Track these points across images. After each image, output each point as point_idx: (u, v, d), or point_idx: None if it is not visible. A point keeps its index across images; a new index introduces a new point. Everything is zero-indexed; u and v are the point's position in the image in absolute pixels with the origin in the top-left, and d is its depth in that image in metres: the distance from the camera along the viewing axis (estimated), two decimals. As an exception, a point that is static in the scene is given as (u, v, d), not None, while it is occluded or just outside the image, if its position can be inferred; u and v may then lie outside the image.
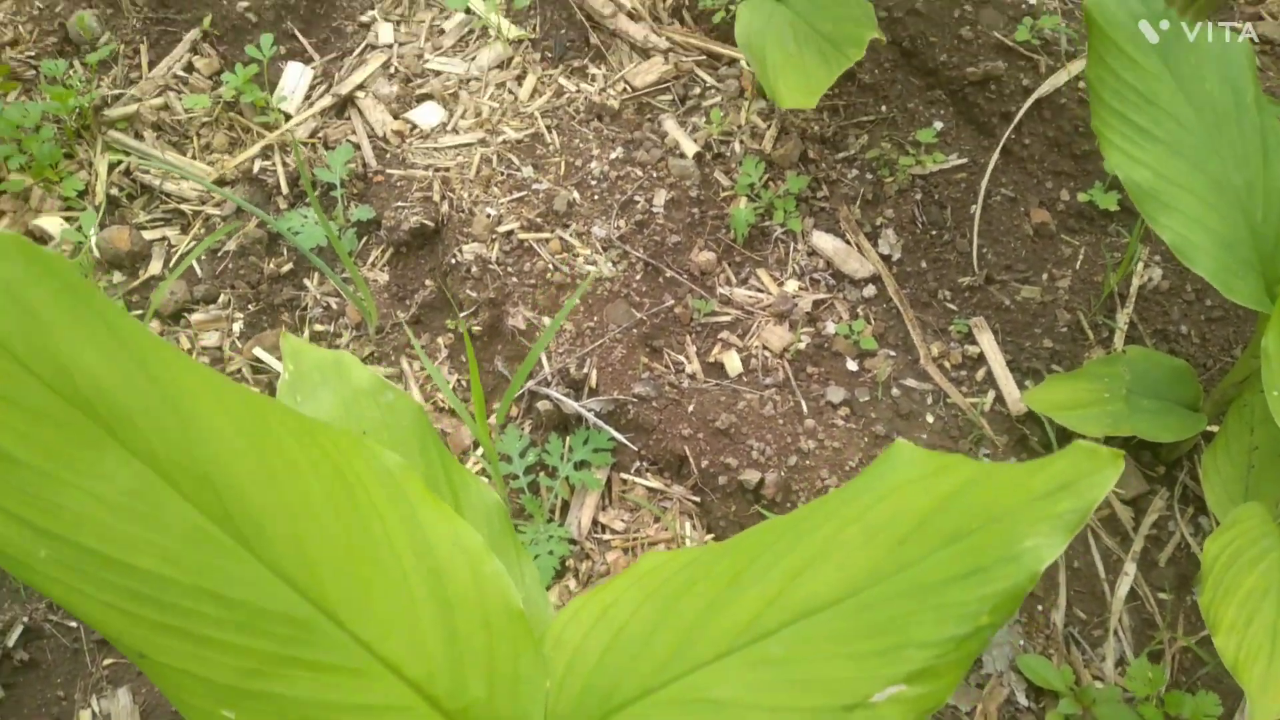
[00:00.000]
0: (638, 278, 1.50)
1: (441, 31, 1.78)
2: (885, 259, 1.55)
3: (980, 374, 1.45)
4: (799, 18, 1.42)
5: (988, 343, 1.46)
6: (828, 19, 1.39)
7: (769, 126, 1.63)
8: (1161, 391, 1.24)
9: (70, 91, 1.63)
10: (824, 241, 1.55)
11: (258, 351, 1.51)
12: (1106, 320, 1.47)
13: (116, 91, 1.73)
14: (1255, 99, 1.05)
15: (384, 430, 0.85)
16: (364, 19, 1.80)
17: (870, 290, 1.52)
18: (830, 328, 1.48)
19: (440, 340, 1.54)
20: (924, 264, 1.54)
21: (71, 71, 1.73)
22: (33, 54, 1.78)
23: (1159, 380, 1.25)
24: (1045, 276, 1.51)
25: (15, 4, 1.83)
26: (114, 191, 1.64)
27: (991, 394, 1.43)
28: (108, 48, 1.75)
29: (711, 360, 1.46)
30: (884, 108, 1.65)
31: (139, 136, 1.69)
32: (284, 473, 0.64)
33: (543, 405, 1.41)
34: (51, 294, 0.58)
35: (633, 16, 1.76)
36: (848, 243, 1.55)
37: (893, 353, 1.47)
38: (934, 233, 1.56)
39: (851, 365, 1.45)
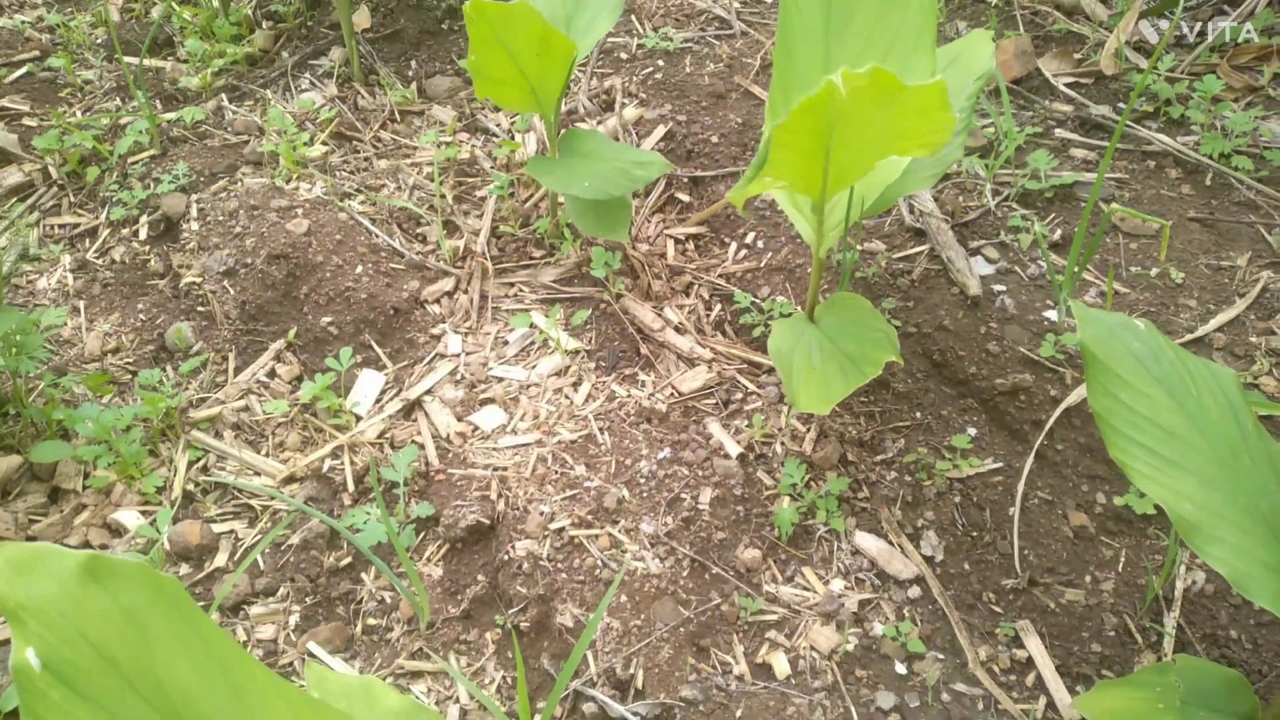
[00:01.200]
0: (684, 574, 1.54)
1: (505, 343, 1.94)
2: (928, 560, 1.58)
3: (1030, 679, 1.43)
4: (826, 337, 1.54)
5: (1035, 647, 1.46)
6: (852, 340, 1.51)
7: (808, 430, 1.72)
8: (1216, 703, 1.22)
9: (161, 396, 1.77)
10: (867, 542, 1.59)
11: (311, 645, 1.53)
12: (1154, 624, 1.46)
13: (202, 395, 1.88)
14: (1255, 426, 1.12)
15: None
16: (435, 331, 1.97)
17: (915, 591, 1.54)
18: (877, 629, 1.49)
19: (489, 635, 1.56)
20: (967, 565, 1.57)
21: (165, 378, 1.89)
22: (131, 360, 1.95)
23: (1213, 692, 1.23)
24: (1088, 579, 1.52)
25: (121, 317, 2.03)
26: (190, 487, 1.74)
27: (1043, 700, 1.40)
28: (199, 357, 1.92)
29: (759, 661, 1.46)
30: (918, 414, 1.74)
31: (219, 436, 1.82)
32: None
33: (588, 708, 1.40)
34: (164, 617, 0.65)
35: (679, 330, 1.91)
36: (890, 543, 1.59)
37: (941, 655, 1.46)
38: (974, 534, 1.59)
39: (900, 668, 1.44)
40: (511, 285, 2.05)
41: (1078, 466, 1.64)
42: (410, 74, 2.60)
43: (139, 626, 0.63)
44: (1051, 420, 1.66)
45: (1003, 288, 1.85)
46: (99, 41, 2.77)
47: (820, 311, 1.62)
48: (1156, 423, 1.13)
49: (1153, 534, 1.56)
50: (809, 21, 1.53)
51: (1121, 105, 2.21)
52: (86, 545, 1.66)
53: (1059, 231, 1.95)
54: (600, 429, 1.75)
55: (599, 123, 2.36)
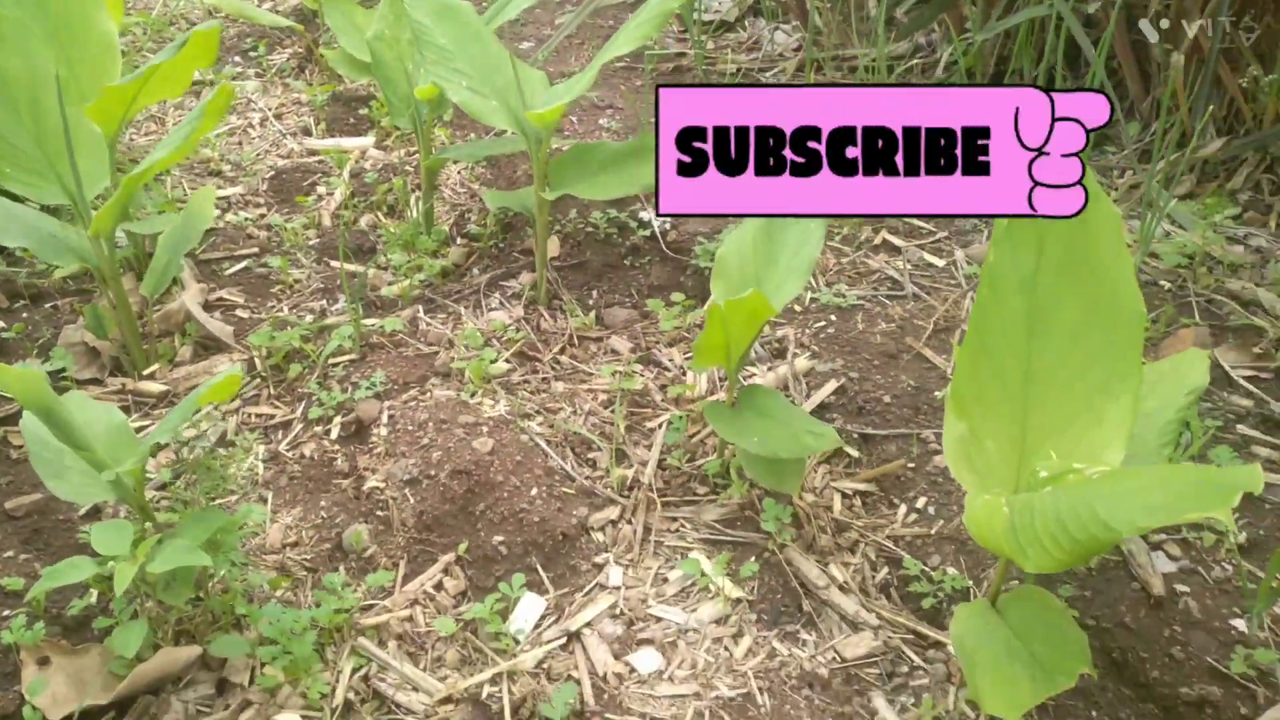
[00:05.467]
0: None
1: (665, 580, 1.95)
2: None
3: None
4: (1014, 635, 1.51)
5: None
6: (1042, 643, 1.48)
7: (978, 716, 1.66)
8: None
9: (341, 605, 1.83)
10: None
11: None
12: None
13: (370, 601, 1.94)
14: None
15: None
16: (598, 560, 2.00)
17: None
18: None
19: None
20: None
21: (339, 579, 1.95)
22: (309, 557, 2.03)
23: None
24: None
25: (303, 511, 2.13)
26: (350, 695, 1.77)
27: None
28: (383, 574, 1.98)
29: None
30: (1094, 713, 1.66)
31: (383, 645, 1.86)
32: None
33: None
34: None
35: (843, 589, 1.90)
36: None
37: None
38: None
39: None
40: (675, 520, 2.08)
41: (1276, 801, 1.53)
42: (591, 303, 2.75)
43: None
44: (1245, 744, 1.57)
45: (1186, 589, 1.79)
46: (311, 244, 3.03)
47: (1005, 602, 1.59)
48: None
49: None
50: (1009, 320, 1.55)
51: (1307, 405, 2.17)
52: (248, 744, 1.69)
53: (1245, 534, 1.89)
54: (760, 688, 1.72)
55: (769, 369, 2.43)
